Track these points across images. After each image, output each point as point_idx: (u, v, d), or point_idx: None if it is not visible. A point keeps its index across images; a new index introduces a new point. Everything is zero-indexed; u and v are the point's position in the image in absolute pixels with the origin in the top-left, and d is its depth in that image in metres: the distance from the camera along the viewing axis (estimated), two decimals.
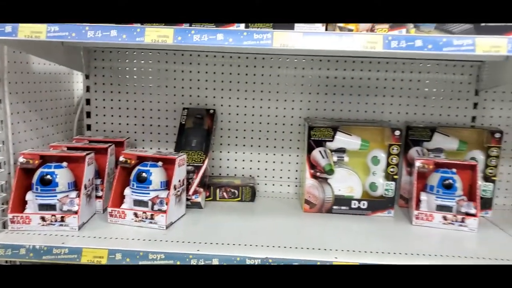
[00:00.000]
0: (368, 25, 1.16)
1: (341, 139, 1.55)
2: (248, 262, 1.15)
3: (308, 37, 1.10)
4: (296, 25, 1.14)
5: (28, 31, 1.07)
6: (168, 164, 1.42)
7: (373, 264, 1.13)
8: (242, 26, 1.13)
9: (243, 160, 1.81)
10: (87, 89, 1.78)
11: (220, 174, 1.83)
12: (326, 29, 1.18)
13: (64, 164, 1.36)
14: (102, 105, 1.79)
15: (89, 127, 1.82)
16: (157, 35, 1.09)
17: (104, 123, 1.81)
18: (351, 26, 1.16)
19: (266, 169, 1.82)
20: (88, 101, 1.79)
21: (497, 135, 1.57)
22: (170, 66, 1.76)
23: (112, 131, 1.81)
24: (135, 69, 1.77)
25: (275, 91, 1.76)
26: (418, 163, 1.50)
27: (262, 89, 1.76)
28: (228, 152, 1.81)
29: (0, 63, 1.32)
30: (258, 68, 1.75)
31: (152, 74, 1.77)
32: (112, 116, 1.80)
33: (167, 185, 1.41)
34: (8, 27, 1.08)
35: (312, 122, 1.58)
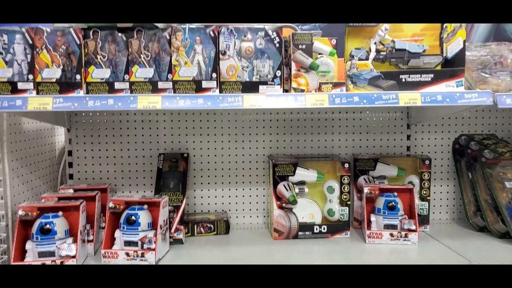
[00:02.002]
0: (316, 85, 1.45)
1: (300, 173, 1.82)
2: None
3: (270, 98, 1.37)
4: (260, 87, 1.41)
5: (37, 103, 1.26)
6: (152, 206, 1.62)
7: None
8: (217, 91, 1.38)
9: (216, 197, 2.03)
10: (69, 141, 1.94)
11: (195, 211, 2.03)
12: (286, 90, 1.47)
13: (60, 213, 1.52)
14: (83, 155, 1.96)
15: (71, 176, 1.97)
16: (148, 101, 1.32)
17: (86, 171, 1.97)
18: (303, 86, 1.44)
19: (237, 203, 2.05)
20: (70, 152, 1.95)
21: (427, 161, 1.92)
22: (145, 117, 1.97)
23: (93, 178, 1.97)
24: (113, 121, 1.95)
25: (241, 133, 2.02)
26: (366, 190, 1.80)
27: (229, 132, 2.01)
28: (202, 190, 2.02)
29: (0, 127, 1.47)
30: (225, 114, 2.00)
31: (128, 124, 1.96)
32: (92, 164, 1.97)
33: (153, 225, 1.60)
34: (19, 101, 1.26)
35: (275, 160, 1.84)
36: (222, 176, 2.03)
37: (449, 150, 2.10)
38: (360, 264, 1.47)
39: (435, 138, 2.10)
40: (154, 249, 1.53)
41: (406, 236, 1.73)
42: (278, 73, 1.43)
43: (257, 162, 2.04)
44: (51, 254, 1.47)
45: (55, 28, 1.36)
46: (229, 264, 1.48)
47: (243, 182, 2.04)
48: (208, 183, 2.03)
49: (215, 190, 2.04)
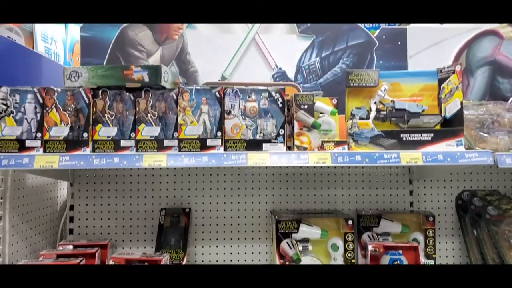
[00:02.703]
0: (318, 144, 1.47)
1: (304, 230, 1.80)
2: None
3: (274, 156, 1.39)
4: (264, 145, 1.44)
5: (43, 161, 1.28)
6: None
7: None
8: (221, 149, 1.41)
9: (217, 254, 2.00)
10: (71, 195, 1.94)
11: None
12: (289, 147, 1.49)
13: None
14: (85, 209, 1.95)
15: (71, 231, 1.94)
16: (153, 160, 1.34)
17: (87, 226, 1.95)
18: (305, 144, 1.47)
19: (238, 260, 2.01)
20: (71, 207, 1.94)
21: (431, 218, 1.90)
22: (148, 171, 1.98)
23: (94, 233, 1.95)
24: (116, 175, 1.96)
25: (244, 187, 2.02)
26: (370, 247, 1.77)
27: (232, 187, 2.01)
28: (203, 246, 1.99)
29: (4, 184, 1.48)
30: (227, 169, 2.01)
31: (131, 178, 1.97)
32: (94, 219, 1.95)
33: None
34: (26, 159, 1.28)
35: (278, 216, 1.83)
36: (224, 232, 2.01)
37: (452, 206, 2.09)
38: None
39: (438, 194, 2.10)
40: None
41: None
42: (281, 131, 1.46)
43: (259, 217, 2.02)
44: None
45: (66, 88, 1.40)
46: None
47: (245, 238, 2.02)
48: (210, 239, 2.00)
49: (217, 246, 2.00)
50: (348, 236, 1.79)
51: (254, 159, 1.38)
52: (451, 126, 1.56)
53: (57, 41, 2.60)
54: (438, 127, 1.60)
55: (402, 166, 2.09)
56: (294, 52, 2.09)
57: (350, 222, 1.79)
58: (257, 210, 2.03)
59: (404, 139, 1.53)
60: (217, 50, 2.04)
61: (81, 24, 2.00)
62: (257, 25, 2.07)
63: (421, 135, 1.52)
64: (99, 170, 1.96)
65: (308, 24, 2.10)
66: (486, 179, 2.12)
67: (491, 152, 1.47)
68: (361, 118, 1.59)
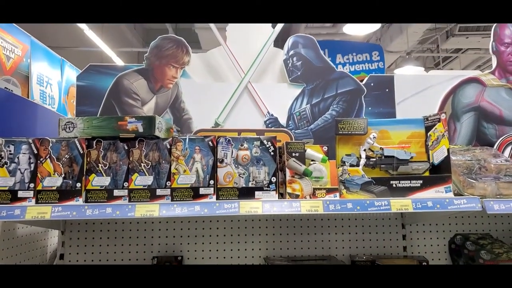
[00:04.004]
0: (310, 191, 1.49)
1: None
2: None
3: (266, 204, 1.40)
4: (256, 193, 1.45)
5: (35, 212, 1.28)
6: None
7: None
8: (214, 197, 1.42)
9: None
10: (62, 244, 1.92)
11: None
12: (281, 194, 1.51)
13: None
14: (75, 258, 1.92)
15: None
16: (146, 210, 1.34)
17: None
18: (297, 192, 1.49)
19: None
20: (61, 256, 1.91)
21: (424, 263, 1.89)
22: (140, 219, 1.97)
23: None
24: (108, 223, 1.95)
25: (237, 234, 2.01)
26: None
27: (224, 233, 2.00)
28: None
29: None
30: (220, 215, 2.01)
31: (123, 226, 1.96)
32: None
33: None
34: (17, 210, 1.28)
35: (271, 263, 1.81)
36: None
37: (445, 250, 2.09)
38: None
39: (431, 238, 2.10)
40: None
41: None
42: (273, 179, 1.48)
43: (253, 264, 2.00)
44: None
45: (61, 138, 1.43)
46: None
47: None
48: None
49: None
50: None
51: (246, 207, 1.39)
52: (439, 173, 1.60)
53: (52, 84, 2.65)
54: (426, 173, 1.63)
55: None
56: (285, 99, 2.15)
57: None
58: (251, 257, 2.01)
59: (394, 185, 1.55)
60: (211, 97, 2.09)
61: (77, 73, 2.05)
62: (249, 73, 2.14)
63: (411, 182, 1.55)
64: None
65: (299, 73, 2.18)
66: (478, 222, 2.13)
67: (479, 198, 1.49)
68: (351, 165, 1.62)
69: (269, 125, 2.10)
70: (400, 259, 2.00)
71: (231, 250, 2.00)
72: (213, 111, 2.07)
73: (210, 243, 2.00)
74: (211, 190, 1.43)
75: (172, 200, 1.41)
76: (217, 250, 1.99)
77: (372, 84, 2.22)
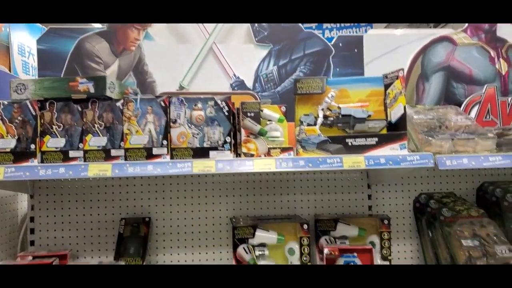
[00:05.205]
0: (265, 150, 1.51)
1: (260, 236, 1.83)
2: None
3: (219, 163, 1.42)
4: (211, 153, 1.47)
5: None
6: None
7: None
8: (168, 157, 1.44)
9: (178, 261, 2.01)
10: (32, 207, 1.95)
11: None
12: (237, 154, 1.53)
13: None
14: (46, 221, 1.96)
15: (32, 242, 1.95)
16: (98, 169, 1.36)
17: (48, 237, 1.95)
18: (252, 151, 1.51)
19: None
20: (32, 219, 1.95)
21: (386, 221, 1.94)
22: (108, 182, 2.00)
23: (55, 244, 1.95)
24: (76, 186, 1.98)
25: (204, 195, 2.04)
26: (326, 251, 1.80)
27: (192, 195, 2.04)
28: (164, 254, 2.01)
29: None
30: (187, 177, 2.04)
31: (91, 189, 1.99)
32: (55, 230, 1.96)
33: None
34: None
35: (235, 222, 1.85)
36: (185, 240, 2.03)
37: (410, 209, 2.14)
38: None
39: (396, 197, 2.15)
40: None
41: None
42: (228, 139, 1.49)
43: (220, 224, 2.05)
44: None
45: (13, 100, 1.42)
46: None
47: (207, 246, 2.04)
48: (171, 247, 2.02)
49: (178, 254, 2.02)
50: (303, 240, 1.82)
51: (200, 166, 1.41)
52: (396, 131, 1.61)
53: (34, 54, 2.60)
54: (384, 131, 1.65)
55: (360, 171, 2.13)
56: (252, 61, 2.13)
57: (305, 226, 1.82)
58: (218, 218, 2.05)
59: (349, 144, 1.57)
60: (175, 60, 2.07)
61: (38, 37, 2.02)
62: (214, 34, 2.11)
63: (366, 140, 1.57)
64: (58, 182, 1.97)
65: (265, 33, 2.15)
66: (443, 182, 2.17)
67: (432, 155, 1.51)
68: (308, 125, 1.63)
69: (235, 88, 2.10)
70: (364, 217, 2.04)
71: (199, 211, 2.04)
72: (177, 74, 2.06)
73: (177, 204, 2.03)
74: (164, 150, 1.45)
75: (125, 160, 1.43)
76: (184, 211, 2.04)
77: (340, 45, 2.19)
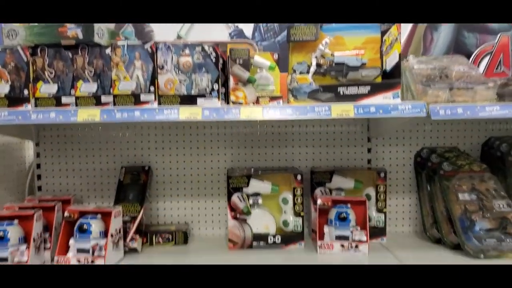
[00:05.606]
0: (254, 98, 1.50)
1: (254, 185, 1.86)
2: None
3: (206, 111, 1.42)
4: (198, 100, 1.48)
5: None
6: (106, 216, 1.67)
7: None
8: (155, 104, 1.45)
9: (178, 209, 2.08)
10: (37, 155, 2.03)
11: (158, 222, 2.08)
12: (227, 102, 1.53)
13: (15, 221, 1.58)
14: (51, 168, 2.04)
15: (40, 188, 2.05)
16: (87, 115, 1.39)
17: (53, 184, 2.05)
18: (241, 99, 1.50)
19: (199, 215, 2.09)
20: (38, 165, 2.04)
21: (382, 174, 1.93)
22: (109, 131, 2.05)
23: (61, 190, 2.05)
24: (79, 135, 2.04)
25: (203, 146, 2.08)
26: (319, 202, 1.82)
27: (191, 146, 2.07)
28: (164, 202, 2.08)
29: None
30: (186, 128, 2.06)
31: (93, 139, 2.05)
32: (60, 177, 2.05)
33: (105, 234, 1.65)
34: None
35: (231, 172, 1.88)
36: (184, 188, 2.08)
37: (411, 163, 2.11)
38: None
39: (397, 151, 2.12)
40: (103, 256, 1.58)
41: (356, 247, 1.74)
42: (216, 86, 1.49)
43: (218, 175, 2.08)
44: (4, 259, 1.53)
45: (4, 46, 1.45)
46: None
47: (205, 195, 2.09)
48: (171, 195, 2.08)
49: (178, 202, 2.09)
50: (296, 191, 1.84)
51: (186, 113, 1.42)
52: (391, 79, 1.56)
53: None
54: (379, 79, 1.60)
55: (361, 123, 2.10)
56: None
57: (299, 177, 1.84)
58: (217, 168, 2.09)
59: (341, 93, 1.54)
60: None
61: None
62: None
63: (358, 89, 1.53)
64: (62, 130, 2.04)
65: None
66: (447, 136, 2.12)
67: (425, 104, 1.47)
68: (301, 73, 1.60)
69: (234, 37, 2.06)
70: (362, 170, 2.04)
71: (198, 161, 2.08)
72: (175, 24, 2.04)
73: (177, 154, 2.08)
74: (151, 97, 1.46)
75: (114, 106, 1.45)
76: (184, 161, 2.08)
77: None
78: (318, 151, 2.10)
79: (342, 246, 1.75)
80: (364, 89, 1.53)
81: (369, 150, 2.11)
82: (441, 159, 1.98)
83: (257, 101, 1.51)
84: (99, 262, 1.58)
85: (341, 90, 1.54)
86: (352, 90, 1.53)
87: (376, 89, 1.52)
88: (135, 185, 1.94)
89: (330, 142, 2.10)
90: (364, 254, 1.72)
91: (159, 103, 1.47)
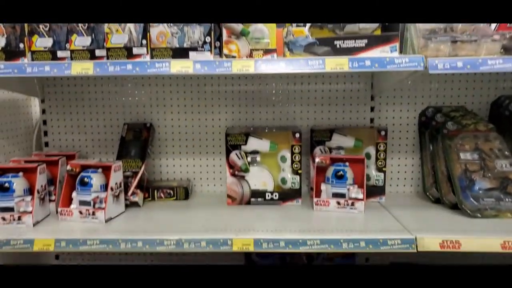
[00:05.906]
0: (247, 52, 1.48)
1: (253, 143, 1.86)
2: (165, 243, 1.45)
3: (197, 64, 1.42)
4: (190, 53, 1.47)
5: None
6: (107, 170, 1.72)
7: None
8: (148, 57, 1.45)
9: (180, 166, 2.12)
10: (43, 111, 2.09)
11: (161, 178, 2.13)
12: (221, 54, 1.51)
13: (20, 174, 1.65)
14: (57, 124, 2.10)
15: (46, 143, 2.11)
16: (81, 68, 1.41)
17: (60, 139, 2.11)
18: (234, 53, 1.48)
19: (201, 172, 2.13)
20: (44, 122, 2.10)
21: (383, 132, 1.90)
22: (112, 88, 2.07)
23: (67, 146, 2.11)
24: (82, 92, 2.07)
25: (204, 104, 2.08)
26: (317, 160, 1.82)
27: (192, 104, 2.08)
28: (167, 159, 2.12)
29: None
30: (187, 86, 2.07)
31: (97, 96, 2.08)
32: (65, 133, 2.10)
33: (106, 187, 1.71)
34: None
35: (230, 130, 1.89)
36: (186, 146, 2.11)
37: (415, 123, 2.07)
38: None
39: (401, 110, 2.07)
40: (103, 208, 1.64)
41: (353, 204, 1.74)
42: (208, 39, 1.47)
43: (220, 133, 2.10)
44: (10, 209, 1.61)
45: None
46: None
47: (207, 152, 2.12)
48: (173, 152, 2.12)
49: (180, 159, 2.12)
50: (294, 148, 1.84)
51: (177, 66, 1.41)
52: (389, 32, 1.51)
53: None
54: (378, 32, 1.55)
55: (365, 81, 2.05)
56: None
57: (297, 135, 1.83)
58: (218, 126, 2.10)
59: (338, 46, 1.50)
60: None
61: None
62: None
63: (355, 42, 1.49)
64: (66, 87, 2.07)
65: None
66: (454, 95, 2.05)
67: (423, 57, 1.42)
68: (298, 26, 1.56)
69: None
70: (363, 128, 2.01)
71: (199, 119, 2.10)
72: None
73: (178, 112, 2.09)
74: (144, 50, 1.46)
75: (107, 60, 1.46)
76: (185, 119, 2.10)
77: None
78: (320, 110, 2.08)
79: (338, 203, 1.75)
80: (361, 42, 1.48)
81: (372, 109, 2.07)
82: (446, 118, 1.93)
83: (250, 55, 1.49)
84: (99, 214, 1.63)
85: (338, 43, 1.49)
86: (349, 44, 1.49)
87: (373, 42, 1.48)
88: (137, 142, 1.98)
89: (332, 100, 2.07)
90: (360, 212, 1.73)
91: (152, 57, 1.47)
